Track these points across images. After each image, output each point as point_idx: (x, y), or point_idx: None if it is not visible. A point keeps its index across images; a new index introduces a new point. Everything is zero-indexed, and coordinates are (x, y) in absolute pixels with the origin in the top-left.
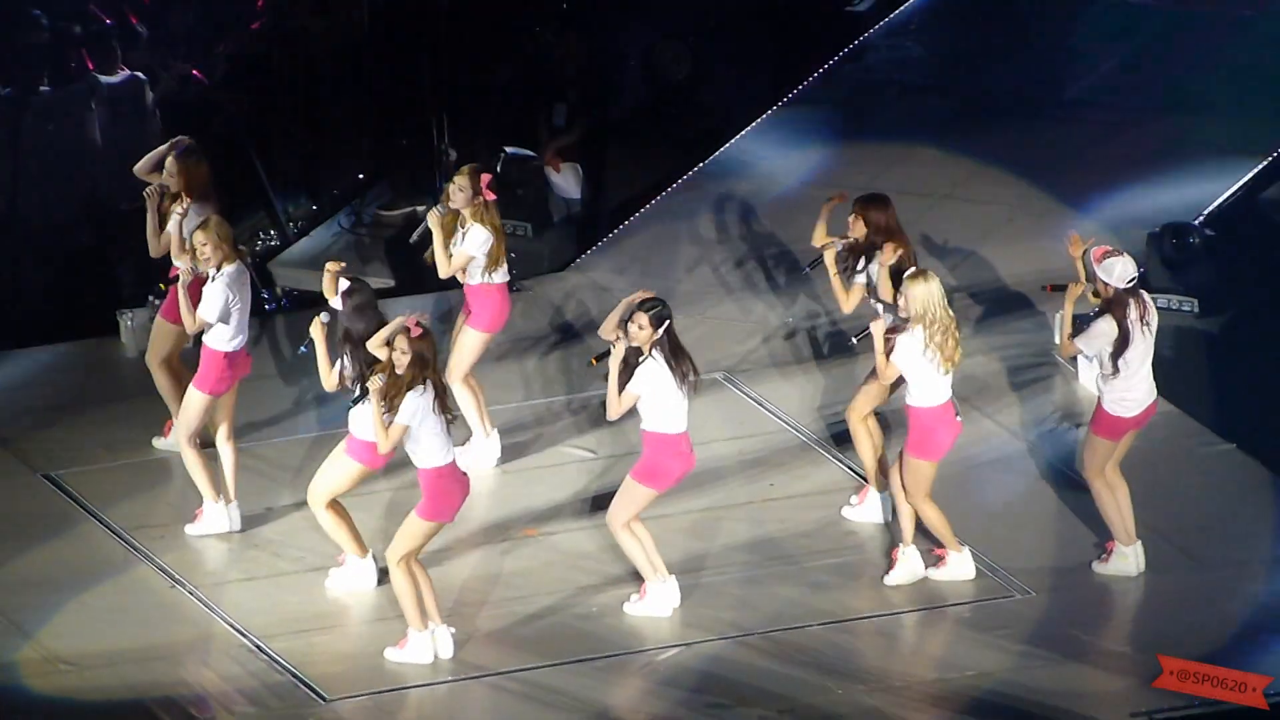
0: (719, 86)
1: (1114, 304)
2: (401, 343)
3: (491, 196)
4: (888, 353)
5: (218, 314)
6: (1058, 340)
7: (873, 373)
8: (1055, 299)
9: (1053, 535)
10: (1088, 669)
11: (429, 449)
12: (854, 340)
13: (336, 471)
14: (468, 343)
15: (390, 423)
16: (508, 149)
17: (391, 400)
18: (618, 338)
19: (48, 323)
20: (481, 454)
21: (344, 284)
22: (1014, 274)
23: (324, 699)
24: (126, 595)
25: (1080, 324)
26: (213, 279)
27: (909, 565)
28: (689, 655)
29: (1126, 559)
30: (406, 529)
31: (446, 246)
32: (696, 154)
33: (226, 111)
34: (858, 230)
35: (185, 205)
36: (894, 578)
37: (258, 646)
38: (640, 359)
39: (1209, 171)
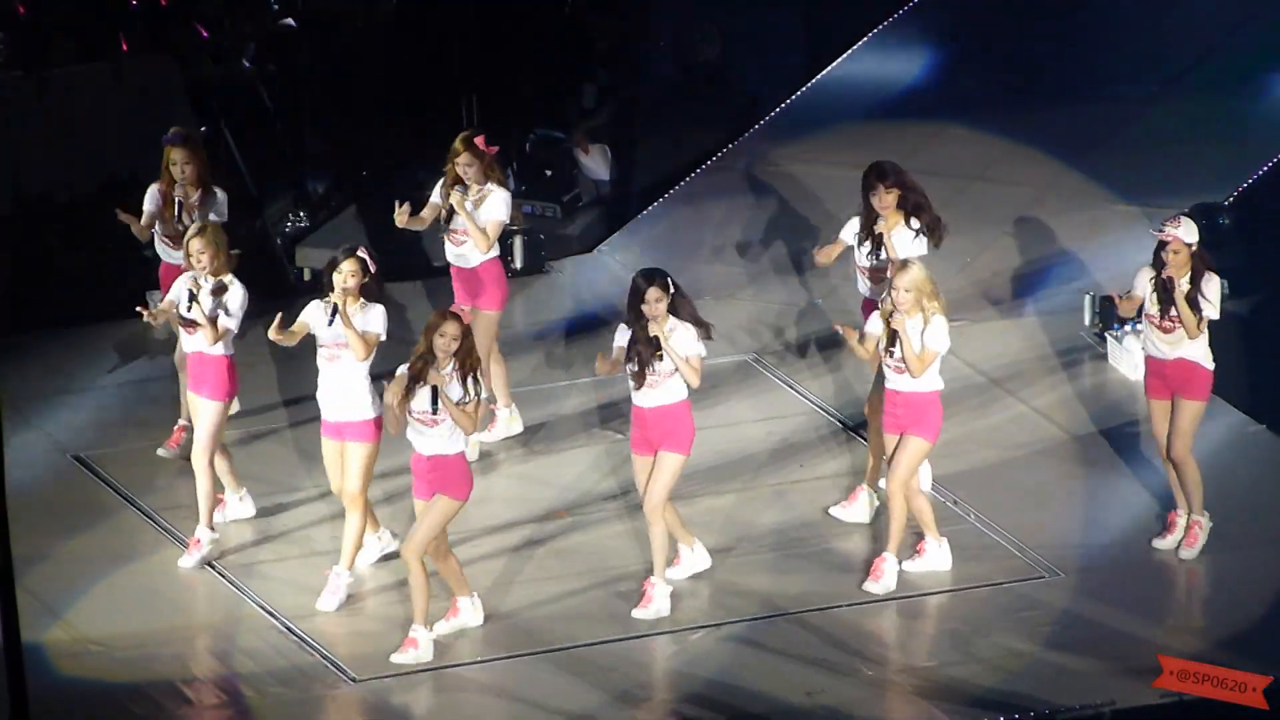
0: (749, 67)
1: (1203, 259)
2: (454, 329)
3: (494, 150)
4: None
5: (239, 321)
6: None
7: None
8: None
9: (1082, 517)
10: (1117, 649)
11: (459, 432)
12: (838, 328)
13: (350, 464)
14: (483, 325)
15: (466, 403)
16: (537, 130)
17: (464, 382)
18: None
19: (78, 304)
20: None
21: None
22: (1045, 254)
23: (353, 679)
24: (156, 576)
25: (1193, 301)
26: (223, 285)
27: (888, 577)
28: (718, 635)
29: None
30: (437, 514)
31: (474, 222)
32: (726, 135)
33: (256, 93)
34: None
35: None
36: (874, 587)
37: (287, 627)
38: (669, 329)
39: (1239, 151)
